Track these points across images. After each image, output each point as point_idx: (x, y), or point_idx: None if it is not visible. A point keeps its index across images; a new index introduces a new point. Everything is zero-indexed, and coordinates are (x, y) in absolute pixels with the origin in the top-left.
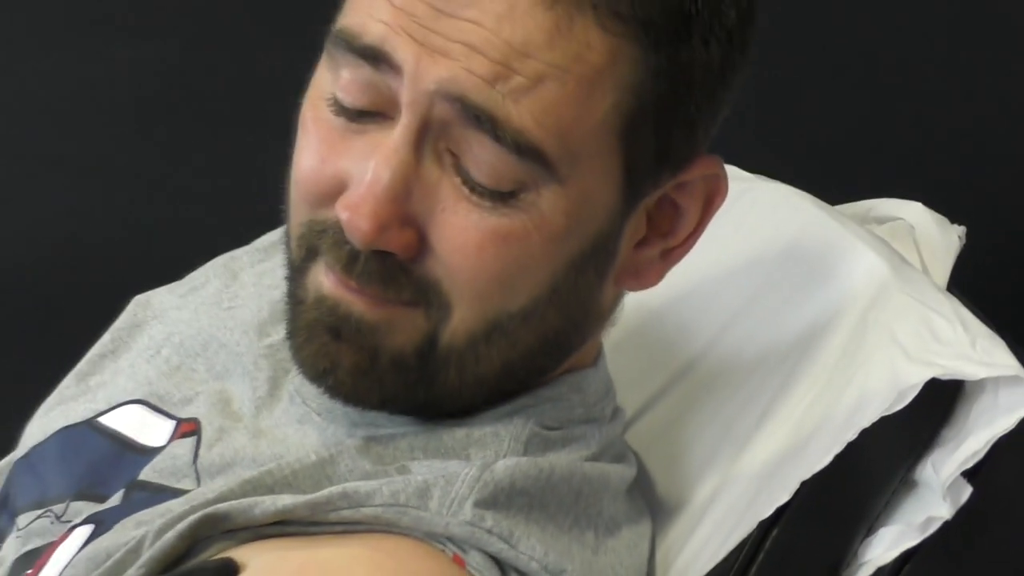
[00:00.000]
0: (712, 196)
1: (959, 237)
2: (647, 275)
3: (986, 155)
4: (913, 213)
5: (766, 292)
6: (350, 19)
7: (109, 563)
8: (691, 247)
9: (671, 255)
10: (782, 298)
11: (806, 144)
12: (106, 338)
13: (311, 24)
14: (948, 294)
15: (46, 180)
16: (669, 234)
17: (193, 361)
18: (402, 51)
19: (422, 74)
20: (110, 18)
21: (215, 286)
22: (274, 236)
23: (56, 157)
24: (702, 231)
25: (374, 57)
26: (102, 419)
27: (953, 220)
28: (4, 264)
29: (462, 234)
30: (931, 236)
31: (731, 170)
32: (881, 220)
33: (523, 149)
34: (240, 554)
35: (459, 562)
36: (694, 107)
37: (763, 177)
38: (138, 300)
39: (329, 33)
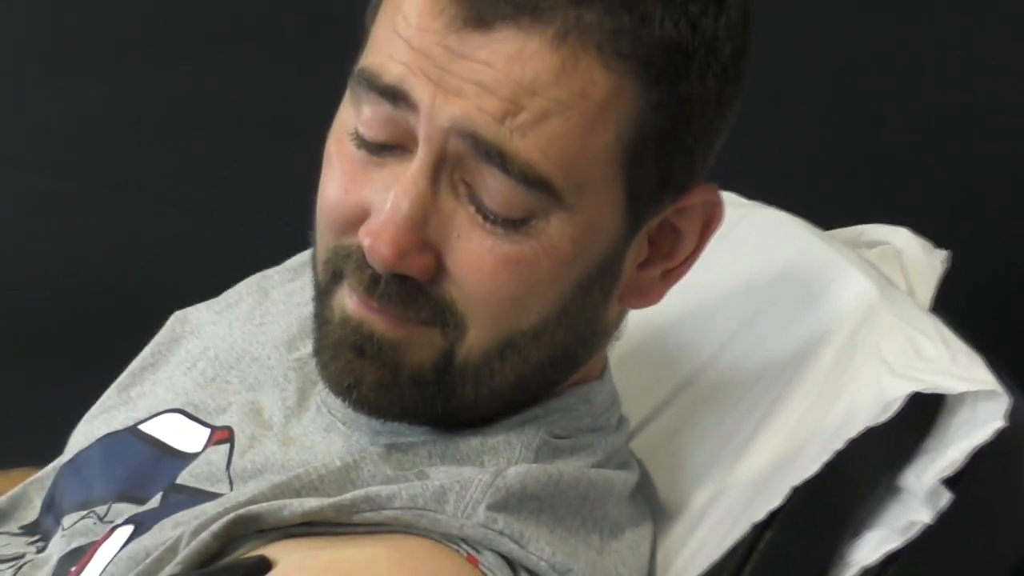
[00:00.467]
0: (709, 220)
1: (942, 261)
2: (649, 294)
3: (970, 184)
4: (900, 238)
5: (762, 312)
6: (371, 59)
7: (148, 561)
8: (690, 267)
9: (671, 275)
10: (777, 318)
11: (801, 172)
12: (146, 352)
13: (338, 61)
14: (931, 314)
15: (91, 202)
16: (669, 256)
17: (227, 373)
18: (419, 90)
19: (437, 112)
20: (155, 48)
21: (248, 303)
22: (303, 257)
23: (97, 179)
24: (700, 252)
25: (393, 95)
26: (143, 426)
27: (937, 245)
28: (51, 283)
29: (476, 259)
30: (917, 260)
31: (730, 196)
32: (870, 244)
33: (531, 180)
34: (271, 552)
35: (473, 562)
36: (692, 138)
37: (760, 203)
38: (176, 316)
39: (352, 72)
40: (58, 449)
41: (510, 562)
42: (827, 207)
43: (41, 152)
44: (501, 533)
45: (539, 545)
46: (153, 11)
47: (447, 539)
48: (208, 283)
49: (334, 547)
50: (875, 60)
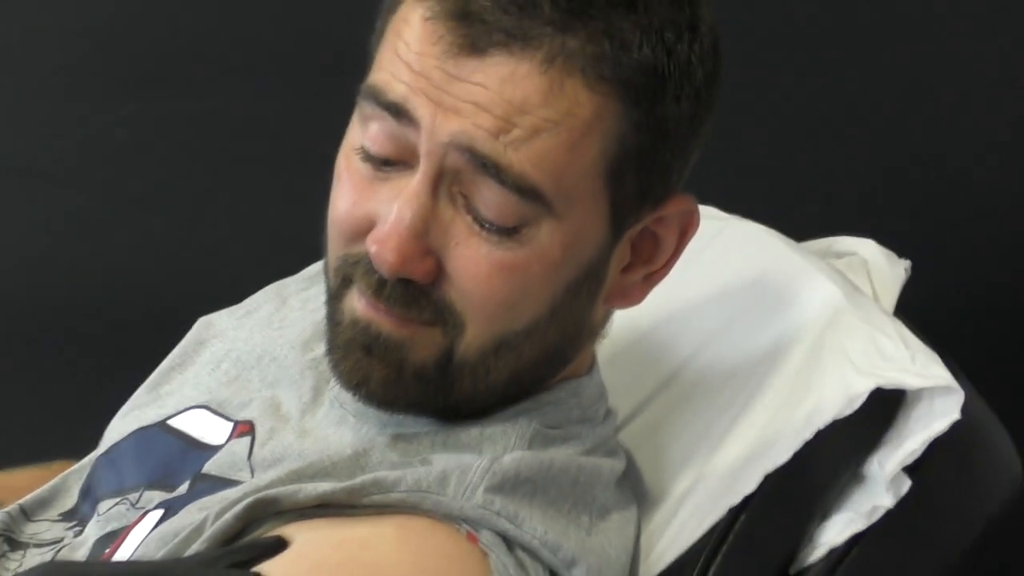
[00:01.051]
0: (686, 228)
1: (905, 270)
2: (632, 295)
3: (931, 201)
4: (866, 249)
5: (739, 315)
6: (377, 76)
7: (176, 541)
8: (669, 271)
9: (652, 278)
10: (753, 320)
11: (777, 188)
12: (174, 354)
13: (347, 90)
14: (894, 318)
15: (121, 217)
16: (650, 260)
17: (248, 373)
18: (421, 109)
19: (437, 129)
20: (181, 74)
21: (267, 310)
22: (318, 266)
23: (128, 195)
24: (678, 257)
25: (397, 112)
26: (171, 421)
27: (900, 255)
28: (85, 292)
29: (473, 265)
30: (881, 269)
31: (711, 210)
32: (839, 255)
33: (523, 190)
34: (288, 531)
35: (472, 539)
36: (669, 153)
37: (738, 217)
38: (202, 321)
39: (360, 89)
40: (94, 443)
41: (506, 540)
42: (800, 220)
43: (75, 170)
44: (498, 513)
45: (532, 524)
46: (180, 41)
47: (448, 519)
48: (230, 291)
49: (345, 526)
50: (842, 91)
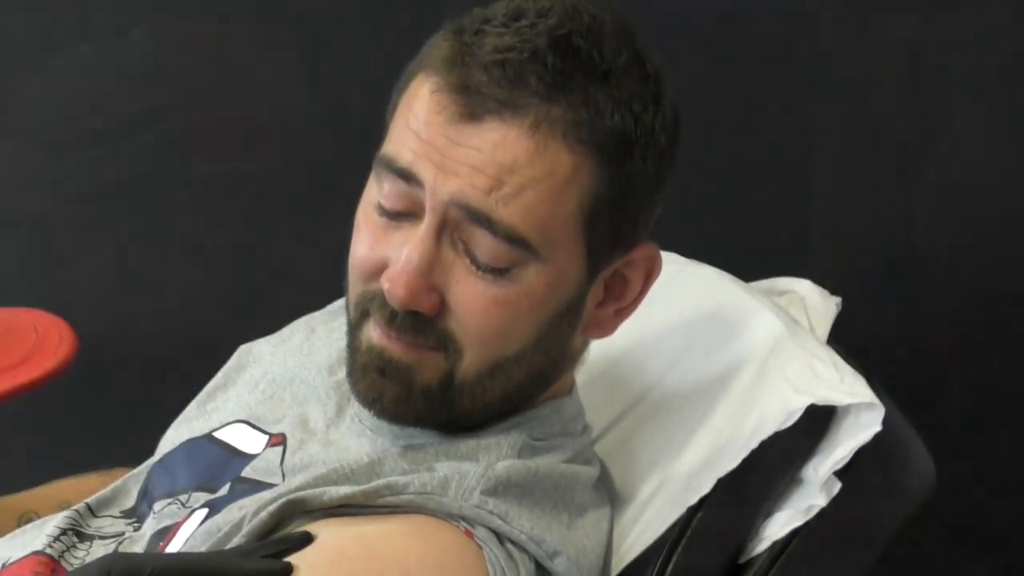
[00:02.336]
0: (651, 270)
1: (836, 305)
2: (605, 327)
3: (858, 247)
4: (803, 287)
5: (696, 344)
6: (389, 147)
7: (219, 535)
8: (637, 307)
9: (622, 312)
10: (707, 348)
11: (728, 237)
12: (219, 376)
13: (365, 155)
14: (827, 345)
15: (174, 260)
16: (620, 298)
17: (282, 392)
18: (425, 172)
19: (439, 188)
20: (214, 144)
21: (298, 339)
22: (340, 303)
23: (182, 242)
24: (644, 295)
25: (406, 176)
26: (216, 433)
27: (832, 293)
28: (144, 325)
29: (471, 300)
30: (816, 304)
31: (672, 255)
32: (781, 292)
33: (512, 239)
34: (314, 527)
35: (469, 535)
36: (636, 205)
37: (695, 261)
38: (242, 348)
39: (376, 157)
40: (150, 452)
41: (498, 535)
42: (747, 263)
43: (134, 220)
44: (491, 512)
45: (520, 522)
46: (225, 115)
47: (449, 517)
48: (266, 323)
49: (362, 523)
50: (780, 160)
